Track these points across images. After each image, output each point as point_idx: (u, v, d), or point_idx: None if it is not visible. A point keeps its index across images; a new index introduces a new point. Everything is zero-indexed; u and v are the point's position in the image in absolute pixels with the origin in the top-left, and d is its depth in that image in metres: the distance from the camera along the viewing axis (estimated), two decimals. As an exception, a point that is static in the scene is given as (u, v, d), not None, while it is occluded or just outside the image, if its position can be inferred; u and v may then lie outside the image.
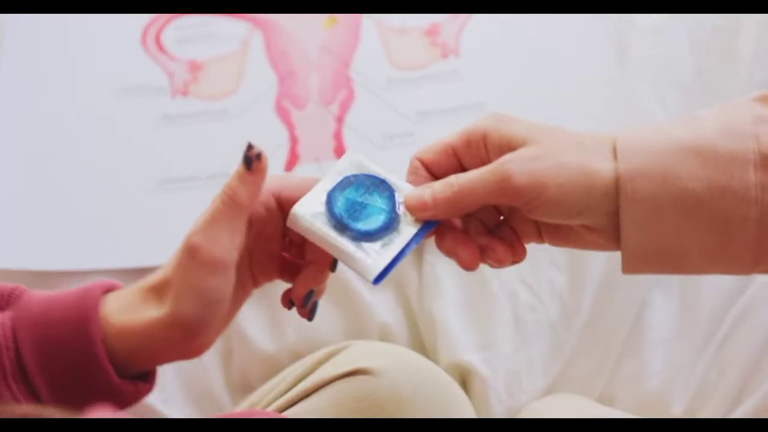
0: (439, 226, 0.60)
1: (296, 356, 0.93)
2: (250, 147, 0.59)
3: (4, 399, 0.54)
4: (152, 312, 0.57)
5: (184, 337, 0.57)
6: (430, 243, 0.94)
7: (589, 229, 0.58)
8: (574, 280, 0.95)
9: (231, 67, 1.09)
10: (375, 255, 0.59)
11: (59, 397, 0.56)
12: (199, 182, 1.01)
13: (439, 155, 0.61)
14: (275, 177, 0.61)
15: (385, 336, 0.94)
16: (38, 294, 0.59)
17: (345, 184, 0.62)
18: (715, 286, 0.93)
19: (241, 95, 1.07)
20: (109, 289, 0.60)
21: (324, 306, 0.95)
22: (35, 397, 0.55)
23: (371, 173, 0.62)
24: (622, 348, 0.94)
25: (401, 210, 0.60)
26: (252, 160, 0.58)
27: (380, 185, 0.61)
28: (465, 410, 0.81)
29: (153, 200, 1.00)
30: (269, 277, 0.64)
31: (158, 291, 0.58)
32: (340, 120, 1.04)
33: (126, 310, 0.58)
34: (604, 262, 0.94)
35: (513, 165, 0.56)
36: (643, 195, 0.54)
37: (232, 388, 0.96)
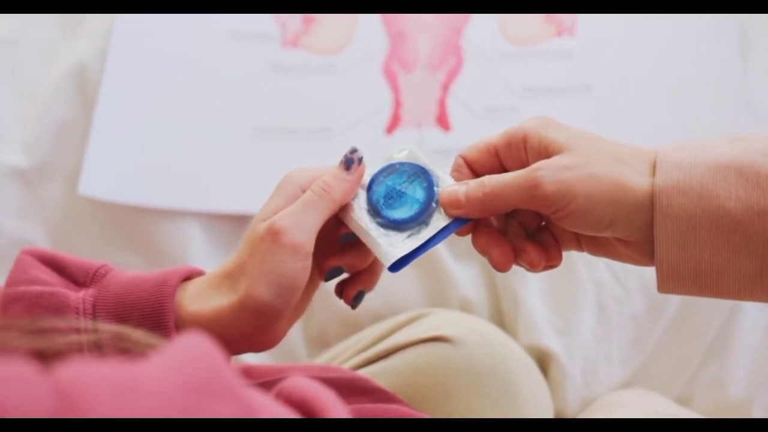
0: (475, 225, 0.61)
1: (376, 318, 0.95)
2: (353, 150, 0.62)
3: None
4: (224, 298, 0.59)
5: (255, 322, 0.59)
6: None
7: (622, 242, 0.58)
8: (665, 276, 0.94)
9: (344, 23, 1.10)
10: (398, 244, 0.60)
11: None
12: (297, 135, 1.03)
13: (482, 154, 0.62)
14: (325, 167, 0.63)
15: (465, 309, 0.95)
16: (121, 274, 0.61)
17: (390, 170, 0.63)
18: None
19: (351, 52, 1.08)
20: (188, 276, 0.62)
21: (408, 273, 0.96)
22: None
23: (417, 163, 0.63)
24: (706, 350, 0.93)
25: (437, 202, 0.61)
26: (353, 162, 0.62)
27: (422, 176, 0.62)
28: (540, 393, 0.82)
29: (249, 147, 1.03)
30: (331, 266, 0.65)
31: (232, 277, 0.60)
32: (445, 87, 1.04)
33: (199, 297, 0.60)
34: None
35: (544, 173, 0.57)
36: (678, 211, 0.54)
37: (310, 342, 0.98)
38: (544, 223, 0.63)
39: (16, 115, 1.06)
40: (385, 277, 0.96)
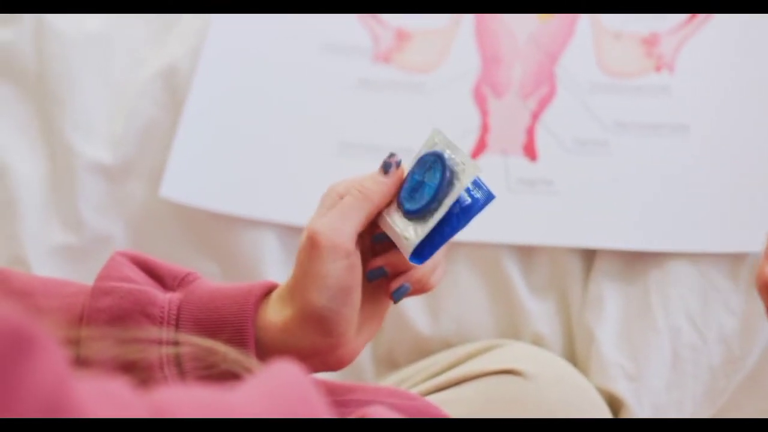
0: None
1: (447, 345, 0.96)
2: (391, 155, 0.66)
3: (154, 368, 0.61)
4: (288, 311, 0.63)
5: (320, 329, 0.62)
6: (608, 264, 0.95)
7: None
8: (746, 327, 0.94)
9: (438, 42, 1.11)
10: (418, 233, 0.62)
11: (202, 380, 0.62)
12: (380, 152, 1.05)
13: None
14: (363, 174, 0.67)
15: (537, 343, 0.96)
16: (208, 283, 0.66)
17: (418, 164, 0.65)
18: None
19: (442, 72, 1.09)
20: (270, 290, 0.66)
21: (482, 302, 0.97)
22: (181, 376, 0.61)
23: (435, 149, 0.64)
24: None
25: (452, 184, 0.61)
26: (391, 166, 0.65)
27: (438, 160, 0.63)
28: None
29: (332, 162, 1.05)
30: (372, 266, 0.67)
31: (291, 290, 0.64)
32: (535, 116, 1.05)
33: (272, 310, 0.64)
34: (783, 316, 0.93)
35: None
36: None
37: (378, 362, 1.00)
38: None
39: (104, 111, 1.10)
40: (457, 303, 0.98)
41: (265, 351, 0.63)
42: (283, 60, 1.11)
